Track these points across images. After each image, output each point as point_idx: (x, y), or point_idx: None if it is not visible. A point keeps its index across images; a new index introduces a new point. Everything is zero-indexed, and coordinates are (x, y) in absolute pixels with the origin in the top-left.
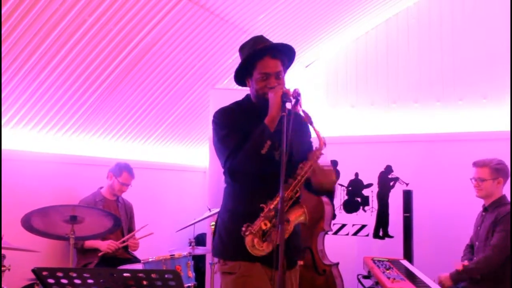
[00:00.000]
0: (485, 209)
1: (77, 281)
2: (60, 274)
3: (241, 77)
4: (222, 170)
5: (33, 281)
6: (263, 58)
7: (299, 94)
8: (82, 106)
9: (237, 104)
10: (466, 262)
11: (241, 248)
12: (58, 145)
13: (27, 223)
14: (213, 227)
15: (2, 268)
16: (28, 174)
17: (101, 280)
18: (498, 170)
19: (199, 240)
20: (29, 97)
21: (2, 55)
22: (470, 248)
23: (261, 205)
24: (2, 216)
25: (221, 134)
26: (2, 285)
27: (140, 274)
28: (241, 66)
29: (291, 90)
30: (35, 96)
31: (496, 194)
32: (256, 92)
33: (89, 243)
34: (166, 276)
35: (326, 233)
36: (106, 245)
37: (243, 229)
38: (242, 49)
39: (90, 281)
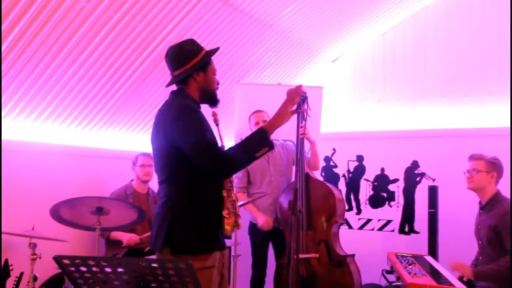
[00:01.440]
0: (482, 207)
1: (95, 269)
2: (78, 262)
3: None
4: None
5: None
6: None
7: (306, 94)
8: (109, 101)
9: (188, 100)
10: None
11: (217, 238)
12: (87, 139)
13: (56, 213)
14: None
15: (34, 256)
16: (58, 167)
17: (118, 269)
18: (493, 164)
19: None
20: (58, 92)
21: (32, 52)
22: None
23: (223, 191)
24: (33, 206)
25: (200, 130)
26: (34, 272)
27: (155, 264)
28: (204, 59)
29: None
30: (64, 91)
31: (489, 190)
32: (214, 83)
33: (114, 234)
34: (180, 265)
35: (341, 225)
36: (127, 238)
37: (225, 212)
38: (191, 44)
39: (107, 269)
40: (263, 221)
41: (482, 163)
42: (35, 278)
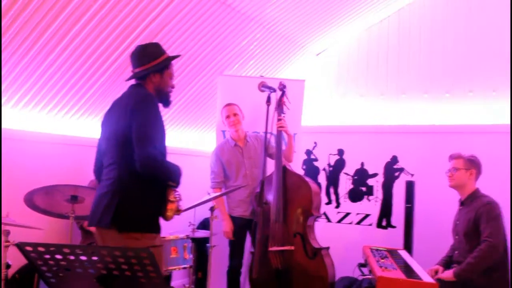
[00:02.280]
0: (462, 203)
1: (58, 256)
2: (41, 249)
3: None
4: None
5: None
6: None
7: (284, 86)
8: (90, 90)
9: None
10: (440, 268)
11: (158, 221)
12: (66, 127)
13: (30, 201)
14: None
15: (7, 244)
16: (36, 154)
17: (81, 257)
18: (471, 162)
19: (205, 224)
20: (37, 80)
21: (9, 40)
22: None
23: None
24: (7, 193)
25: (157, 124)
26: (7, 260)
27: (117, 252)
28: (162, 63)
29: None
30: (43, 78)
31: (469, 187)
32: (168, 86)
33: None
34: (141, 254)
35: (317, 218)
36: None
37: (171, 196)
38: (154, 47)
39: (71, 257)
40: (226, 229)
41: (460, 161)
42: (8, 266)
